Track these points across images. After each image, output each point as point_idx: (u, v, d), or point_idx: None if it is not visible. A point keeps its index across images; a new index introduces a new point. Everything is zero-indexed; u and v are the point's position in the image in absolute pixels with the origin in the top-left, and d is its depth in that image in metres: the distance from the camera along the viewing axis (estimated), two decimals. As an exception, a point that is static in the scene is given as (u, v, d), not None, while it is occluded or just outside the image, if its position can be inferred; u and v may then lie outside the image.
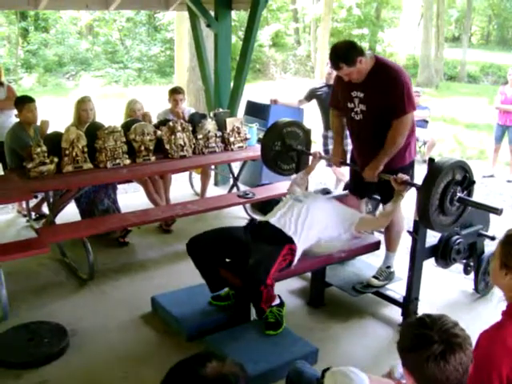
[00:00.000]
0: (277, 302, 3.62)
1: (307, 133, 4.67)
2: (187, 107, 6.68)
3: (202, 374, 1.48)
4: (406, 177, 3.65)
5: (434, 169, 3.42)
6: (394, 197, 3.73)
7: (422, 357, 1.69)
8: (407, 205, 4.01)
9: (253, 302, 3.54)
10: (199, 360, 1.54)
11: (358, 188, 4.33)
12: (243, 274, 3.47)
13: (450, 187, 3.42)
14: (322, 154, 4.54)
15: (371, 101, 3.81)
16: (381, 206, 4.35)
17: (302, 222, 3.68)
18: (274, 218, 3.78)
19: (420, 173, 3.88)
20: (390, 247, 4.22)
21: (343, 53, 3.67)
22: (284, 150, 4.64)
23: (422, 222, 3.58)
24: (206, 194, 6.41)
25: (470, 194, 3.58)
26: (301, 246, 3.66)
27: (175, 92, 6.13)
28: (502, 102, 8.61)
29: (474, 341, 1.98)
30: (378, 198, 4.36)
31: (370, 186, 4.09)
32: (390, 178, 3.72)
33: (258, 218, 4.08)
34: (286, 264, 3.58)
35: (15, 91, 6.35)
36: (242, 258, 3.54)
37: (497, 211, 3.42)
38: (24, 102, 5.32)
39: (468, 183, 3.52)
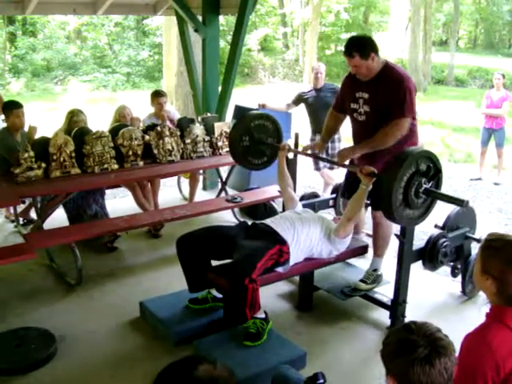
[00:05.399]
0: (262, 315, 3.59)
1: (277, 124, 4.54)
2: (172, 110, 6.67)
3: (194, 376, 1.49)
4: (371, 168, 3.58)
5: (397, 160, 3.31)
6: (359, 188, 3.69)
7: (408, 361, 1.69)
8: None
9: (237, 301, 3.42)
10: (190, 362, 1.54)
11: (350, 190, 4.31)
12: (229, 268, 3.46)
13: (414, 179, 3.30)
14: (292, 146, 4.39)
15: (375, 102, 3.86)
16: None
17: (297, 230, 3.71)
18: (270, 221, 3.83)
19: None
20: (377, 252, 4.25)
21: (360, 42, 3.77)
22: (253, 144, 4.47)
23: (386, 215, 3.50)
24: (195, 199, 6.40)
25: (438, 184, 3.47)
26: (294, 252, 3.67)
27: (159, 95, 6.12)
28: (487, 106, 8.70)
29: (460, 342, 2.01)
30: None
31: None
32: (356, 170, 3.70)
33: (250, 222, 4.08)
34: (271, 264, 3.57)
35: (2, 96, 6.33)
36: (231, 256, 3.56)
37: (462, 203, 3.35)
38: (11, 108, 5.29)
39: (434, 173, 3.40)
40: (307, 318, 4.14)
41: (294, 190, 4.44)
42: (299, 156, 4.59)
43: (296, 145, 4.62)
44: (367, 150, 3.86)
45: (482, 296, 4.41)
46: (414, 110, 3.85)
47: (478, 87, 23.75)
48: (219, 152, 5.92)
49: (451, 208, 4.43)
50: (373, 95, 3.86)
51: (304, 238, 3.72)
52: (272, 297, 4.35)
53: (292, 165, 4.58)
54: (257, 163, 4.59)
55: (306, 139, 6.88)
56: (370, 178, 3.58)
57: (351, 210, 3.77)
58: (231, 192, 6.35)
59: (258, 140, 4.45)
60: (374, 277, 4.19)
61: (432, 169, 3.38)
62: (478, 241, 4.30)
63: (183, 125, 5.80)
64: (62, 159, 4.87)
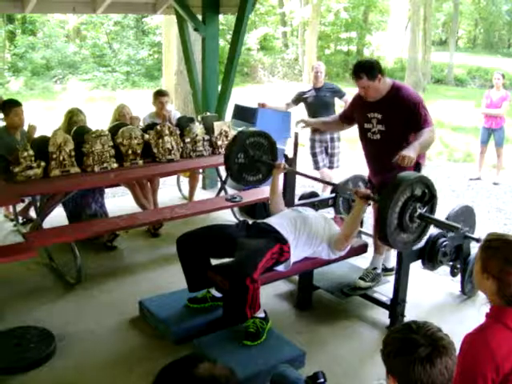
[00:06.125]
0: (261, 314, 3.60)
1: (272, 143, 4.53)
2: (173, 111, 6.67)
3: (194, 375, 1.48)
4: (367, 191, 3.65)
5: (393, 185, 3.28)
6: (353, 209, 3.76)
7: (409, 360, 1.69)
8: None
9: (237, 301, 3.42)
10: (191, 361, 1.54)
11: None
12: (230, 268, 3.46)
13: (408, 204, 3.31)
14: (286, 166, 4.31)
15: (390, 120, 3.94)
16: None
17: (299, 229, 3.72)
18: (270, 219, 3.84)
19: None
20: (378, 249, 4.27)
21: (366, 65, 3.94)
22: (248, 161, 4.45)
23: (381, 239, 3.48)
24: (194, 198, 6.40)
25: (432, 209, 3.48)
26: (296, 251, 3.68)
27: (160, 94, 6.12)
28: (487, 106, 8.71)
29: (459, 342, 2.01)
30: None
31: None
32: (351, 191, 3.76)
33: (250, 220, 4.07)
34: (272, 263, 3.58)
35: (1, 95, 6.31)
36: (231, 255, 3.56)
37: (456, 229, 3.45)
38: (11, 107, 5.28)
39: (428, 198, 3.41)
40: (306, 317, 4.14)
41: (294, 190, 4.44)
42: (299, 154, 4.57)
43: (296, 144, 4.61)
44: (418, 148, 3.77)
45: (481, 296, 4.40)
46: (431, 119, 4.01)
47: (478, 87, 23.75)
48: (219, 151, 5.91)
49: (450, 207, 4.44)
50: (386, 114, 3.96)
51: (305, 238, 3.72)
52: (271, 296, 4.35)
53: (292, 165, 4.54)
54: (252, 180, 4.58)
55: (305, 139, 6.89)
56: (364, 200, 3.65)
57: (348, 228, 3.78)
58: (231, 191, 6.34)
59: (252, 157, 4.45)
60: (372, 275, 4.20)
61: (427, 194, 3.40)
62: (478, 240, 4.29)
63: (183, 124, 5.80)
64: (61, 158, 4.86)
